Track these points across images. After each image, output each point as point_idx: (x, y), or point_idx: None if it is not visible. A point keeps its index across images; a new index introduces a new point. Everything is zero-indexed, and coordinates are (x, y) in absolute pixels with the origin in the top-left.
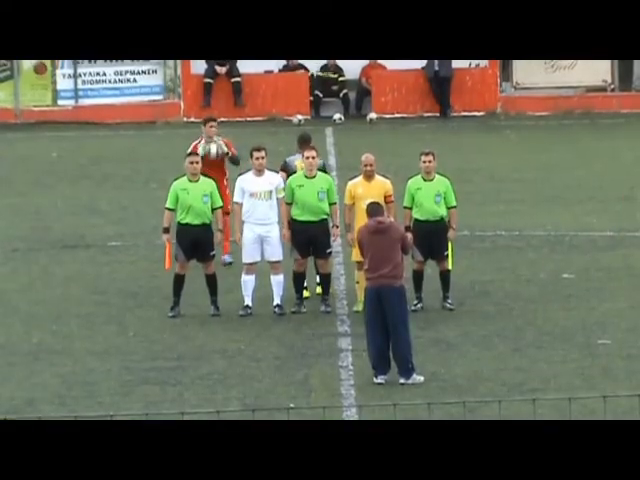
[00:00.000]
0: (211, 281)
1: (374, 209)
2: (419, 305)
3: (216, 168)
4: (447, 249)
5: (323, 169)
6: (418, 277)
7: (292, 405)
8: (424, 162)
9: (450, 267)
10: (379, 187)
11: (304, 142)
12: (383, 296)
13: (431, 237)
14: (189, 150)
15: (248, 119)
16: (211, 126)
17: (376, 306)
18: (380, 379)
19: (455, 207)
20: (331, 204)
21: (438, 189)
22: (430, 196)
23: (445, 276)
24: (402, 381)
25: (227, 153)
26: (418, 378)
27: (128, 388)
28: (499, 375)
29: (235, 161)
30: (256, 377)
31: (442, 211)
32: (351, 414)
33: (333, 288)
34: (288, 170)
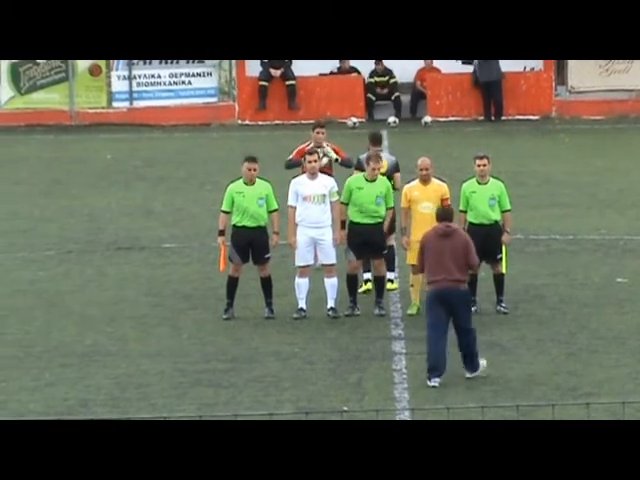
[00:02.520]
0: (266, 284)
1: (445, 213)
2: (473, 308)
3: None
4: (501, 252)
5: (396, 165)
6: (472, 280)
7: (345, 408)
8: (479, 166)
9: (504, 271)
10: (435, 191)
11: (375, 140)
12: (448, 299)
13: (485, 240)
14: (293, 153)
15: (302, 122)
16: (318, 132)
17: (439, 309)
18: (434, 382)
19: (510, 211)
20: (388, 208)
21: (492, 192)
22: (484, 200)
23: (499, 280)
24: (468, 375)
25: (337, 159)
26: (482, 363)
27: (181, 390)
28: (553, 379)
29: (348, 164)
30: (310, 380)
31: (496, 215)
32: (404, 417)
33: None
34: (362, 168)
